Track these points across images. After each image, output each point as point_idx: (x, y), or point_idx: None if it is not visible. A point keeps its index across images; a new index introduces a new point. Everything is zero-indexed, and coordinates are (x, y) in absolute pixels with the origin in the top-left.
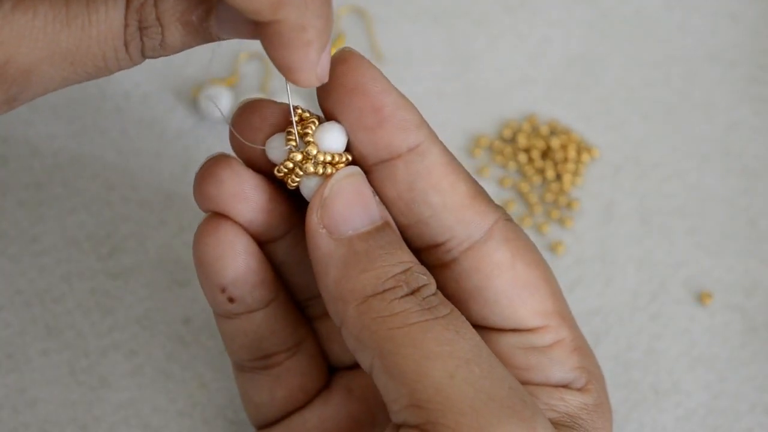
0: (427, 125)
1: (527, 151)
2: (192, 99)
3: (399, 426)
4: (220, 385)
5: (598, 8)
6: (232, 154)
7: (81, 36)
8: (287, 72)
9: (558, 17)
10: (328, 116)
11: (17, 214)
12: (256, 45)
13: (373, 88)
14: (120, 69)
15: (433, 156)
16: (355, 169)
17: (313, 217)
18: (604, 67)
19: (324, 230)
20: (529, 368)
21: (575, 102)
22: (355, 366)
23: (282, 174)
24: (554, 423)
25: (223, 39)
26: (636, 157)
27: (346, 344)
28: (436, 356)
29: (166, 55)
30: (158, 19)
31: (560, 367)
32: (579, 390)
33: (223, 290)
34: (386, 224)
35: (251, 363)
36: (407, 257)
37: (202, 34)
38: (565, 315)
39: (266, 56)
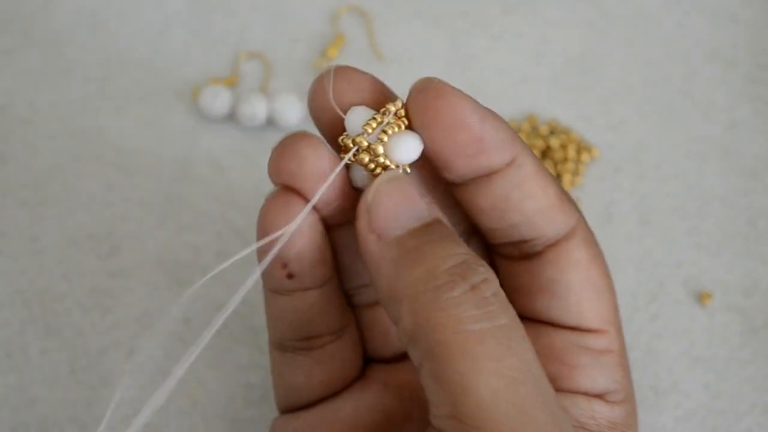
0: (519, 136)
1: None
2: (192, 99)
3: (438, 431)
4: (220, 384)
5: (598, 8)
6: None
7: None
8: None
9: (558, 17)
10: (416, 129)
11: (17, 213)
12: (255, 45)
13: (473, 121)
14: None
15: (526, 166)
16: (397, 172)
17: (361, 223)
18: (604, 66)
19: (373, 235)
20: (578, 366)
21: (575, 102)
22: (391, 360)
23: (342, 144)
24: None
25: None
26: (636, 156)
27: (384, 338)
28: (484, 372)
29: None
30: None
31: (606, 374)
32: (612, 403)
33: (285, 265)
34: (437, 220)
35: (294, 343)
36: (462, 249)
37: None
38: (620, 331)
39: (266, 56)
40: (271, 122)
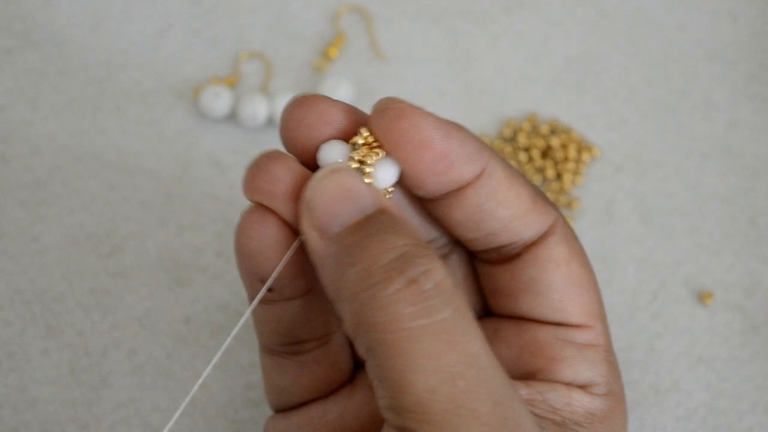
0: (486, 145)
1: (527, 150)
2: (192, 99)
3: (384, 421)
4: (221, 384)
5: (598, 8)
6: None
7: None
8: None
9: (558, 17)
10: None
11: (17, 213)
12: (256, 45)
13: (438, 139)
14: None
15: (497, 174)
16: (339, 164)
17: (303, 222)
18: (604, 66)
19: (315, 233)
20: (562, 359)
21: (575, 101)
22: None
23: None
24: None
25: None
26: (636, 156)
27: None
28: (420, 369)
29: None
30: None
31: (590, 366)
32: (594, 395)
33: (263, 281)
34: (380, 211)
35: (280, 348)
36: (402, 240)
37: None
38: (605, 325)
39: (266, 56)
40: (271, 122)
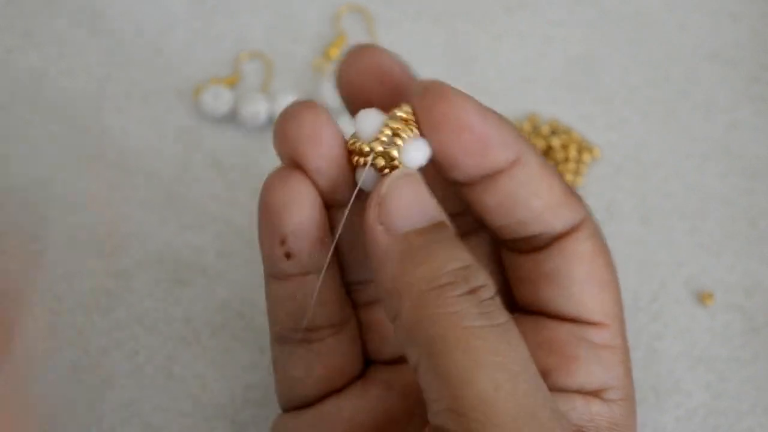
0: (522, 135)
1: None
2: (192, 99)
3: (437, 428)
4: (221, 384)
5: (598, 8)
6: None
7: None
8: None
9: (558, 17)
10: (427, 138)
11: (17, 213)
12: (256, 45)
13: (477, 122)
14: None
15: (531, 164)
16: (411, 170)
17: (371, 214)
18: (605, 66)
19: (382, 227)
20: (577, 358)
21: (576, 101)
22: (392, 362)
23: (356, 149)
24: None
25: None
26: (636, 156)
27: (384, 338)
28: (486, 365)
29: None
30: None
31: (605, 369)
32: (611, 402)
33: (283, 242)
34: (444, 223)
35: (294, 334)
36: (466, 255)
37: None
38: (623, 326)
39: (267, 56)
40: (271, 122)
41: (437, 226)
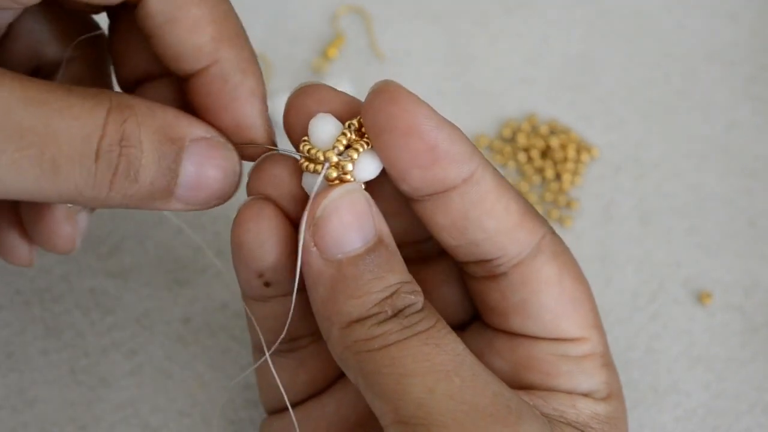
0: (478, 151)
1: (527, 150)
2: None
3: None
4: (220, 384)
5: (598, 8)
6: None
7: None
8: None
9: (558, 17)
10: (373, 144)
11: None
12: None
13: (427, 128)
14: None
15: (486, 182)
16: (354, 186)
17: (307, 234)
18: (604, 66)
19: (315, 249)
20: (559, 375)
21: (575, 102)
22: None
23: (303, 156)
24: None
25: None
26: (636, 156)
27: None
28: (414, 373)
29: None
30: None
31: (588, 378)
32: (596, 400)
33: (261, 275)
34: (379, 242)
35: (276, 346)
36: (396, 278)
37: None
38: (601, 331)
39: (266, 56)
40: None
41: (371, 250)
